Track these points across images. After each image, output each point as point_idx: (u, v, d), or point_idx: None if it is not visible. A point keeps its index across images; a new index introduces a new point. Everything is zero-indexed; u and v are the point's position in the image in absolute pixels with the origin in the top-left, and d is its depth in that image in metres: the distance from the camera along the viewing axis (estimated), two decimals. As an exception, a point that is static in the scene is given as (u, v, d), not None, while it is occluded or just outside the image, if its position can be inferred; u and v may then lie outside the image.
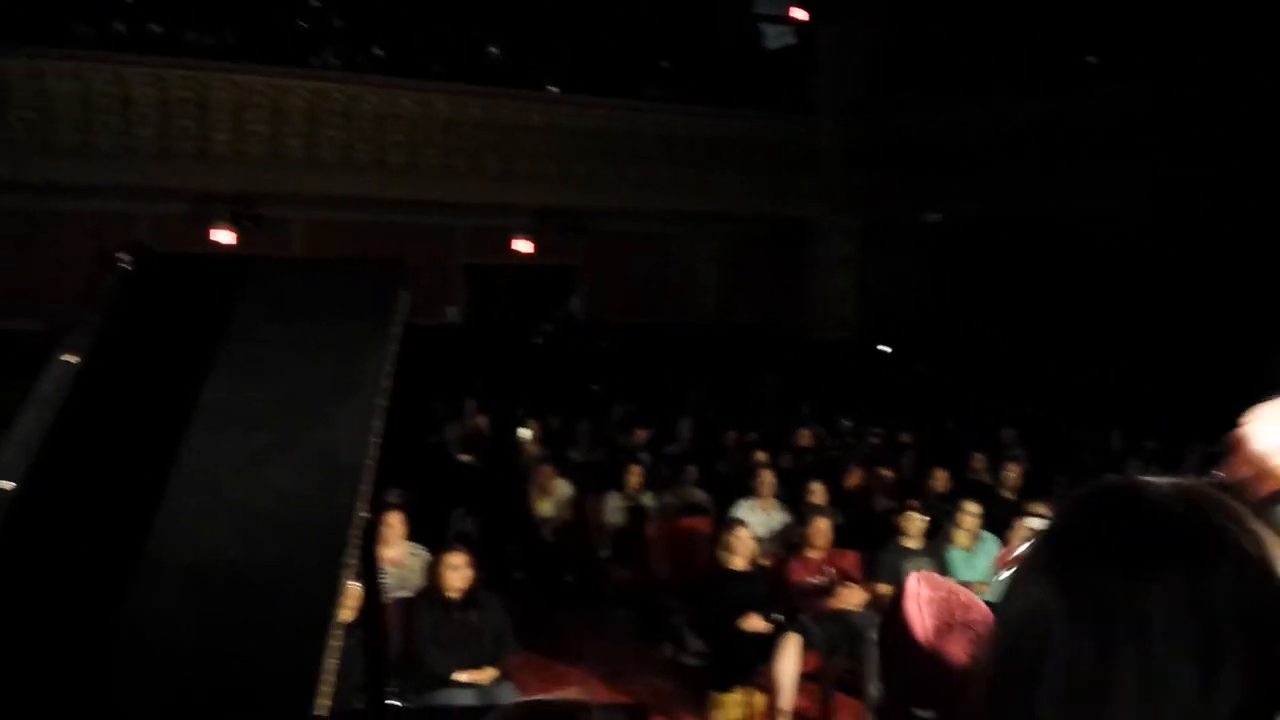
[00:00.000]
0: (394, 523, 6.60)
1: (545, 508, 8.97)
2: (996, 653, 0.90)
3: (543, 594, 8.39)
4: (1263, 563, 0.83)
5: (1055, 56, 14.48)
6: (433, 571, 5.97)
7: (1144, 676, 0.82)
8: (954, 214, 16.03)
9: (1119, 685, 0.82)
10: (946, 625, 2.32)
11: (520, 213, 15.98)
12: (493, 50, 16.61)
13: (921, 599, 2.42)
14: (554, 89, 16.09)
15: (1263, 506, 2.81)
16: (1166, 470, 7.16)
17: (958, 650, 2.25)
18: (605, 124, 15.96)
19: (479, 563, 6.02)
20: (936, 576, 2.38)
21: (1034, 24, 14.46)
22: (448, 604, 5.81)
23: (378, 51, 15.54)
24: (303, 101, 13.95)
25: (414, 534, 6.72)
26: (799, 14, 18.40)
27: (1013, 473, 9.00)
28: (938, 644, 2.32)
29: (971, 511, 7.30)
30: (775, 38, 19.78)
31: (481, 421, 11.41)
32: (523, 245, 16.30)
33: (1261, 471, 2.83)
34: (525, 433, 10.73)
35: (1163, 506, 0.87)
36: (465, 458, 10.54)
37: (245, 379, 2.21)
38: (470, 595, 5.87)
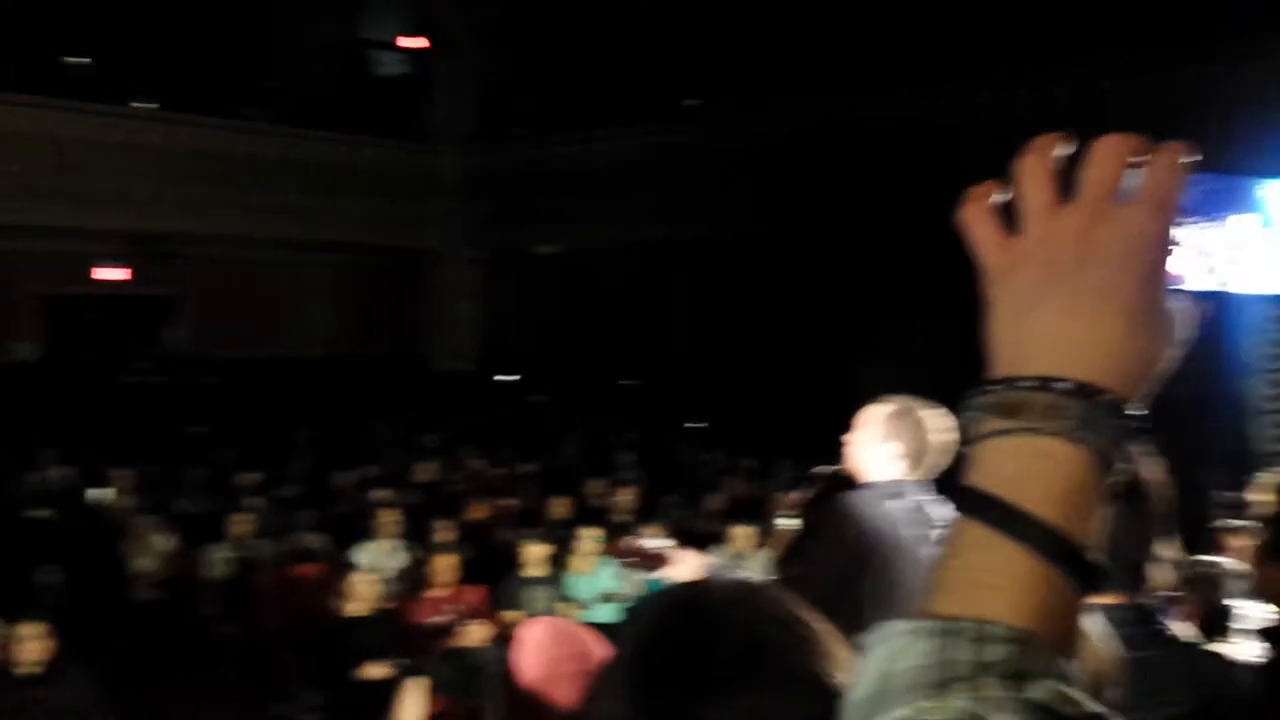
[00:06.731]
0: (-49, 594, 5.82)
1: (144, 564, 8.18)
2: None
3: (141, 660, 7.65)
4: (815, 680, 0.86)
5: (659, 91, 15.37)
6: (1, 646, 5.32)
7: None
8: (572, 244, 16.53)
9: None
10: (552, 674, 2.35)
11: (110, 238, 14.63)
12: (70, 60, 15.11)
13: (527, 647, 2.43)
14: (143, 105, 14.88)
15: (860, 491, 3.07)
16: (763, 484, 7.65)
17: (566, 694, 2.28)
18: (202, 144, 14.99)
19: (62, 632, 5.45)
20: (558, 625, 2.37)
21: (641, 59, 15.26)
22: (21, 681, 5.24)
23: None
24: None
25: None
26: (409, 42, 18.27)
27: (626, 497, 9.32)
28: (543, 690, 2.35)
29: (589, 537, 7.47)
30: (386, 64, 19.54)
31: (63, 472, 10.25)
32: (114, 273, 14.93)
33: (858, 463, 3.11)
34: (108, 492, 9.75)
35: (724, 621, 0.89)
36: (41, 513, 9.41)
37: None
38: (49, 670, 5.32)
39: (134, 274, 15.13)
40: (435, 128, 17.56)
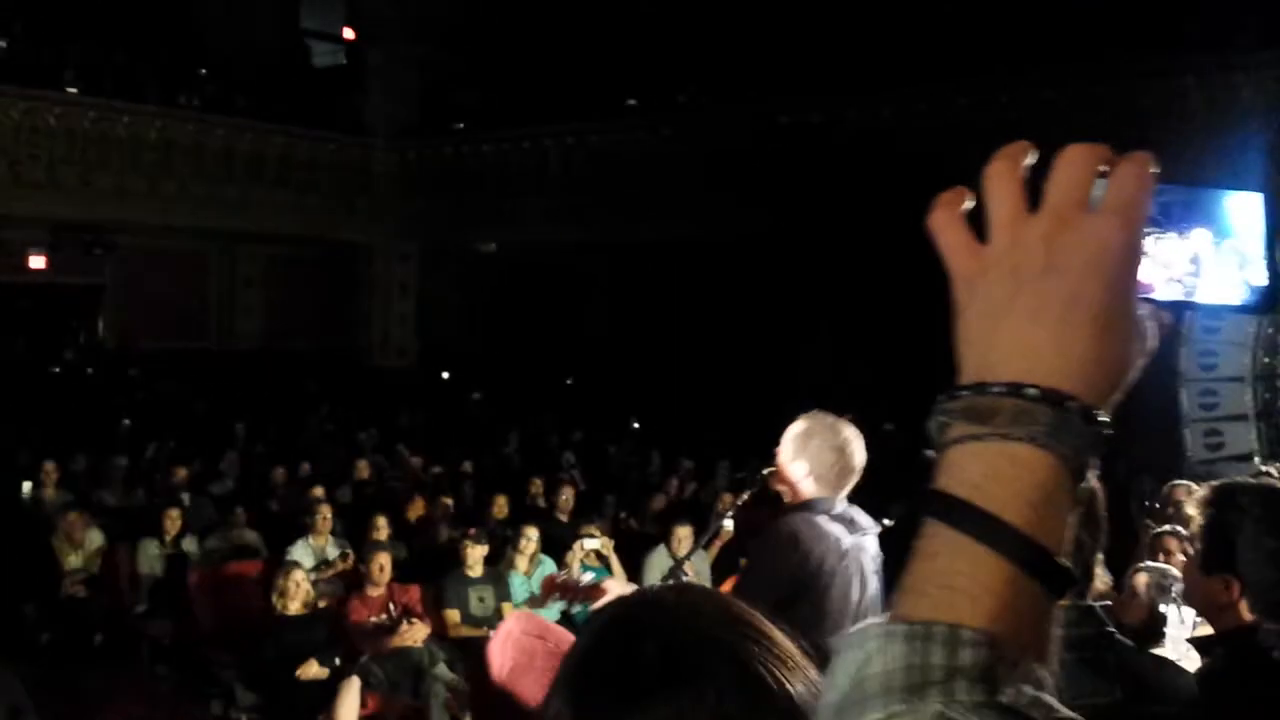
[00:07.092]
0: None
1: (73, 560, 7.99)
2: None
3: (70, 657, 7.48)
4: (756, 683, 0.85)
5: (601, 90, 15.36)
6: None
7: None
8: (511, 241, 16.46)
9: None
10: (527, 666, 2.36)
11: (33, 225, 14.25)
12: (-1, 43, 14.69)
13: (509, 639, 2.45)
14: (73, 90, 14.50)
15: (796, 511, 3.13)
16: (702, 485, 7.70)
17: (534, 689, 2.29)
18: (134, 132, 14.65)
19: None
20: (537, 619, 2.39)
21: (583, 58, 15.25)
22: (-54, 682, 5.02)
23: None
24: None
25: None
26: (349, 33, 18.07)
27: (566, 496, 9.31)
28: (511, 682, 2.36)
29: (530, 536, 7.47)
30: (323, 55, 19.29)
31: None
32: (36, 261, 14.56)
33: (788, 483, 3.16)
34: (26, 485, 9.51)
35: (658, 629, 0.90)
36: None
37: None
38: (-25, 669, 5.11)
39: (63, 263, 14.76)
40: (371, 121, 17.37)
